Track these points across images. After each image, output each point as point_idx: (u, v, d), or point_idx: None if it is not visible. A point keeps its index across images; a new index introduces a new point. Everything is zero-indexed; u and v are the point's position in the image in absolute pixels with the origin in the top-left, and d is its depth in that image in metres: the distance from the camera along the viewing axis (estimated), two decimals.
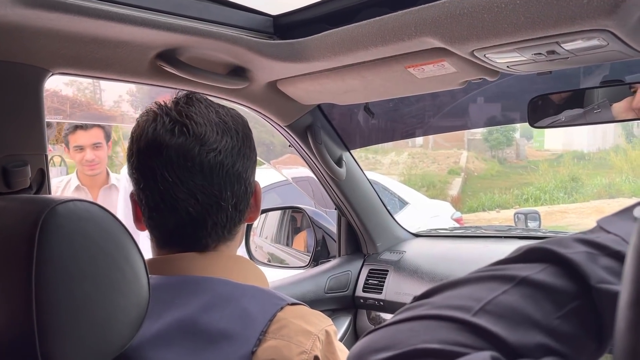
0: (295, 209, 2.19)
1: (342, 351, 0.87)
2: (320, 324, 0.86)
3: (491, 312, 0.43)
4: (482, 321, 0.42)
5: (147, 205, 0.91)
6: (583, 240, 0.47)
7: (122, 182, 2.70)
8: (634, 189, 9.48)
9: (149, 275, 0.78)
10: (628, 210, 0.48)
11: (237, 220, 0.94)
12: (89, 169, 2.63)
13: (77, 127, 2.59)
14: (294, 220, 2.40)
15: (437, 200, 6.41)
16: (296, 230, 2.40)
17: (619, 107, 1.22)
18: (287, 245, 2.40)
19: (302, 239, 2.32)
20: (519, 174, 11.72)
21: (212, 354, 0.78)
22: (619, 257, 0.44)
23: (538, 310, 0.43)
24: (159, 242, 0.93)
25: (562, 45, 1.00)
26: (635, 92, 1.20)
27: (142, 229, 0.96)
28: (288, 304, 0.85)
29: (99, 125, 2.64)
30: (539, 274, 0.45)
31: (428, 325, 0.44)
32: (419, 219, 4.26)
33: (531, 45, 1.01)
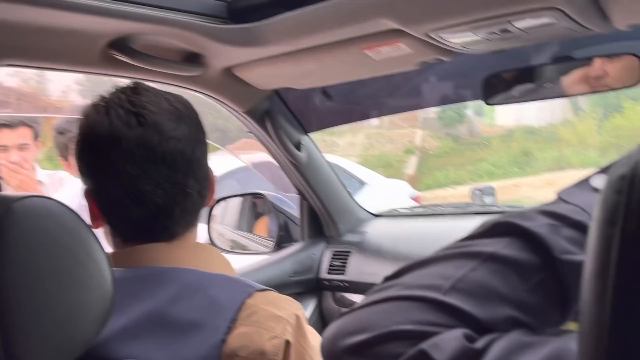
0: (256, 195, 2.18)
1: (313, 334, 0.88)
2: (289, 308, 0.86)
3: (461, 289, 0.44)
4: (453, 299, 0.44)
5: (108, 201, 0.89)
6: (545, 212, 0.48)
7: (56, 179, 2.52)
8: (582, 160, 9.80)
9: (114, 269, 0.77)
10: (586, 181, 0.50)
11: (201, 205, 0.95)
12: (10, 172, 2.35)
13: (1, 125, 2.36)
14: (255, 206, 2.39)
15: (394, 180, 6.49)
16: (258, 216, 2.39)
17: (570, 81, 1.26)
18: (249, 231, 2.39)
19: (264, 225, 2.31)
20: (472, 151, 11.95)
21: (183, 344, 0.78)
22: (580, 227, 0.46)
23: (506, 285, 0.45)
24: (124, 236, 0.92)
25: (514, 23, 1.02)
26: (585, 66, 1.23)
27: (98, 227, 0.93)
28: (256, 291, 0.86)
29: (26, 124, 2.44)
30: (504, 249, 0.46)
31: (400, 306, 0.45)
32: (377, 199, 4.30)
33: (485, 25, 1.03)
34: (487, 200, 2.74)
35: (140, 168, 0.86)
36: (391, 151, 12.52)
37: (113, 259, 0.83)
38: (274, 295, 0.88)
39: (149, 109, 0.87)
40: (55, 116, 2.62)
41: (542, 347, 0.41)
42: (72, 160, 1.91)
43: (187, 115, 0.91)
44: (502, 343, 0.41)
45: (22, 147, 2.42)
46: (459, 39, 1.12)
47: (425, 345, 0.42)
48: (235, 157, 2.80)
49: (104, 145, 0.86)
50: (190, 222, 0.93)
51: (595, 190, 0.47)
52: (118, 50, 1.13)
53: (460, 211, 2.03)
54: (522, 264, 0.45)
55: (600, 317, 0.35)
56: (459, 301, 0.44)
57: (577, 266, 0.42)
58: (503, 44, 1.15)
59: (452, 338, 0.42)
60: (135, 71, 1.22)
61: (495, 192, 2.79)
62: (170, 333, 0.79)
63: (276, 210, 2.02)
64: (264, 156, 2.11)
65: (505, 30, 1.06)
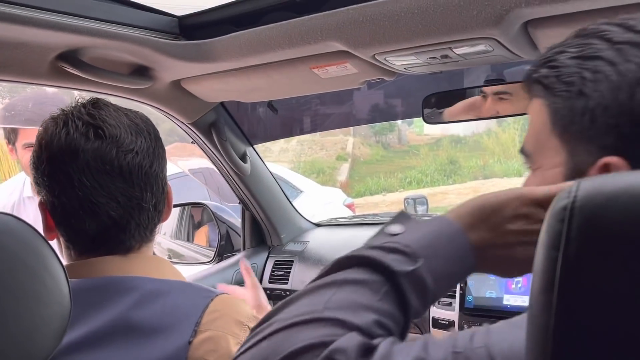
0: (197, 205, 2.18)
1: None
2: (247, 311, 0.90)
3: (333, 307, 0.52)
4: (331, 314, 0.51)
5: (63, 212, 0.89)
6: (372, 246, 0.58)
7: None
8: (505, 169, 10.28)
9: (69, 280, 0.77)
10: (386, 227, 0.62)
11: (157, 220, 0.96)
12: None
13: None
14: (194, 215, 2.38)
15: (328, 187, 6.58)
16: (197, 226, 2.38)
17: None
18: (189, 240, 2.38)
19: (204, 234, 2.31)
20: (402, 158, 12.25)
21: (148, 348, 0.80)
22: (397, 251, 0.56)
23: (364, 298, 0.54)
24: (78, 248, 0.92)
25: (454, 50, 1.10)
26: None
27: (52, 238, 0.93)
28: (217, 295, 0.89)
29: None
30: (353, 274, 0.56)
31: (288, 333, 0.51)
32: (313, 206, 4.36)
33: (427, 50, 1.11)
34: (420, 209, 2.85)
35: (96, 180, 0.86)
36: (323, 158, 12.63)
37: (68, 271, 0.83)
38: (233, 299, 0.91)
39: (108, 122, 0.88)
40: None
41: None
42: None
43: (146, 130, 0.93)
44: (388, 339, 0.50)
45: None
46: (402, 61, 1.19)
47: (328, 350, 0.48)
48: (171, 164, 2.77)
49: (61, 157, 0.86)
50: (145, 237, 0.94)
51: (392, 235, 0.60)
52: (67, 62, 1.12)
53: None
54: (369, 281, 0.55)
55: (546, 326, 0.41)
56: (336, 314, 0.51)
57: (409, 275, 0.54)
58: (442, 67, 1.24)
59: (350, 339, 0.49)
60: (84, 83, 1.22)
61: (427, 201, 2.91)
62: (134, 338, 0.81)
63: (218, 220, 2.02)
64: (200, 162, 2.11)
65: (445, 56, 1.14)
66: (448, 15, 0.98)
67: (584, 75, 0.59)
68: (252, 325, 0.87)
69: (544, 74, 0.64)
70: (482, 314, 1.48)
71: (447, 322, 1.53)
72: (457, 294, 1.52)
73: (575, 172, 0.61)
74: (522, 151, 0.69)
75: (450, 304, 1.54)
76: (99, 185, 0.86)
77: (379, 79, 1.32)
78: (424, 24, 1.01)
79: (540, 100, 0.65)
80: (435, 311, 1.56)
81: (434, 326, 1.56)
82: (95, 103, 0.91)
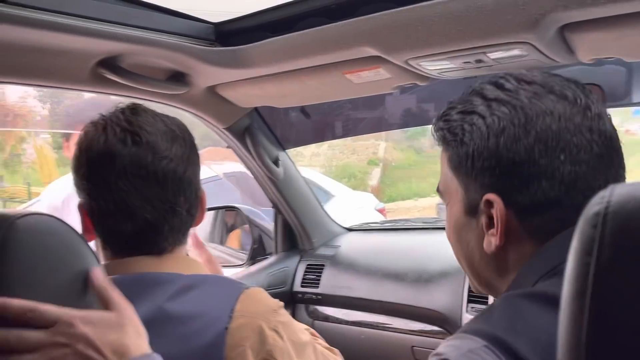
0: (230, 208, 2.21)
1: (299, 326, 0.97)
2: (276, 302, 0.93)
3: None
4: None
5: (100, 214, 0.92)
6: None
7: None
8: None
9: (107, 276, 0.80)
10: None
11: (190, 224, 0.98)
12: None
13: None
14: (227, 218, 2.41)
15: (360, 192, 6.57)
16: (230, 229, 2.41)
17: None
18: (222, 244, 2.41)
19: (237, 238, 2.34)
20: (434, 163, 12.01)
21: (187, 336, 0.83)
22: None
23: None
24: (114, 248, 0.95)
25: (488, 54, 1.09)
26: None
27: (91, 240, 0.96)
28: (247, 287, 0.92)
29: None
30: None
31: None
32: (344, 211, 4.36)
33: (461, 55, 1.10)
34: None
35: (132, 185, 0.89)
36: (355, 162, 12.62)
37: (105, 270, 0.86)
38: (262, 291, 0.94)
39: (145, 129, 0.91)
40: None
41: None
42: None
43: (182, 137, 0.95)
44: None
45: None
46: (436, 66, 1.19)
47: None
48: (205, 167, 2.81)
49: (99, 161, 0.90)
50: (178, 239, 0.96)
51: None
52: (107, 69, 1.16)
53: (429, 226, 2.10)
54: None
55: (578, 332, 0.41)
56: None
57: None
58: (476, 71, 1.22)
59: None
60: (122, 89, 1.25)
61: None
62: (173, 328, 0.84)
63: (251, 224, 2.05)
64: (234, 166, 2.13)
65: (479, 60, 1.13)
66: (482, 20, 0.97)
67: (464, 127, 0.72)
68: (281, 311, 0.92)
69: (440, 126, 0.78)
70: None
71: None
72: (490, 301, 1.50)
73: (470, 206, 0.74)
74: (438, 190, 0.82)
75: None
76: (134, 189, 0.89)
77: (412, 83, 1.32)
78: (458, 28, 1.00)
79: (441, 147, 0.79)
80: (468, 318, 1.54)
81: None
82: (133, 109, 0.94)
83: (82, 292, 0.76)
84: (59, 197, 2.16)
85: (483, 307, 1.52)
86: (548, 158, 0.67)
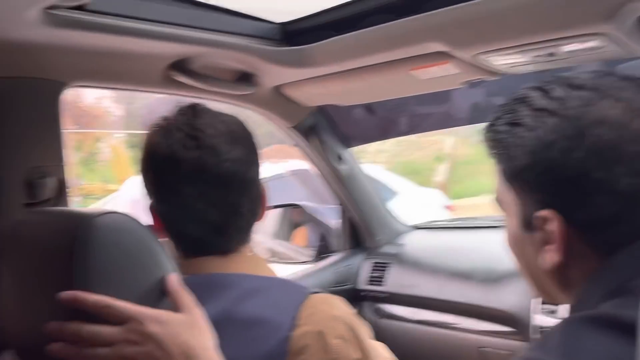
0: (295, 206, 2.23)
1: (366, 331, 0.93)
2: (344, 308, 0.91)
3: None
4: None
5: (166, 216, 0.95)
6: None
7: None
8: None
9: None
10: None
11: (253, 221, 0.99)
12: None
13: None
14: (293, 215, 2.44)
15: (427, 188, 6.48)
16: (295, 226, 2.43)
17: None
18: (287, 240, 2.44)
19: (303, 235, 2.36)
20: None
21: (251, 341, 0.83)
22: None
23: None
24: (181, 249, 0.97)
25: (561, 47, 1.05)
26: None
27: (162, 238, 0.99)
28: (313, 292, 0.91)
29: None
30: None
31: None
32: (410, 208, 4.31)
33: (532, 49, 1.06)
34: None
35: (197, 189, 0.90)
36: (420, 158, 12.45)
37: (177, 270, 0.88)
38: (329, 296, 0.93)
39: (207, 132, 0.91)
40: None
41: None
42: None
43: (243, 137, 0.96)
44: None
45: None
46: (505, 61, 1.15)
47: None
48: (270, 165, 2.85)
49: (163, 166, 0.92)
50: (243, 239, 0.97)
51: None
52: (178, 71, 1.19)
53: (497, 224, 2.04)
54: None
55: None
56: None
57: None
58: (548, 65, 1.18)
59: None
60: (193, 90, 1.28)
61: None
62: (237, 330, 0.84)
63: (317, 221, 2.06)
64: (298, 164, 2.14)
65: (551, 54, 1.09)
66: (557, 11, 0.93)
67: (511, 141, 0.69)
68: (349, 321, 0.89)
69: (489, 137, 0.74)
70: None
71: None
72: None
73: (526, 221, 0.70)
74: (496, 199, 0.77)
75: (553, 312, 1.47)
76: (198, 192, 0.90)
77: (480, 79, 1.28)
78: (531, 21, 0.97)
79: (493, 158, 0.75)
80: (538, 318, 1.50)
81: (534, 333, 1.50)
82: (194, 111, 0.95)
83: (155, 290, 0.78)
84: (138, 192, 2.24)
85: (554, 307, 1.47)
86: (603, 171, 0.62)
